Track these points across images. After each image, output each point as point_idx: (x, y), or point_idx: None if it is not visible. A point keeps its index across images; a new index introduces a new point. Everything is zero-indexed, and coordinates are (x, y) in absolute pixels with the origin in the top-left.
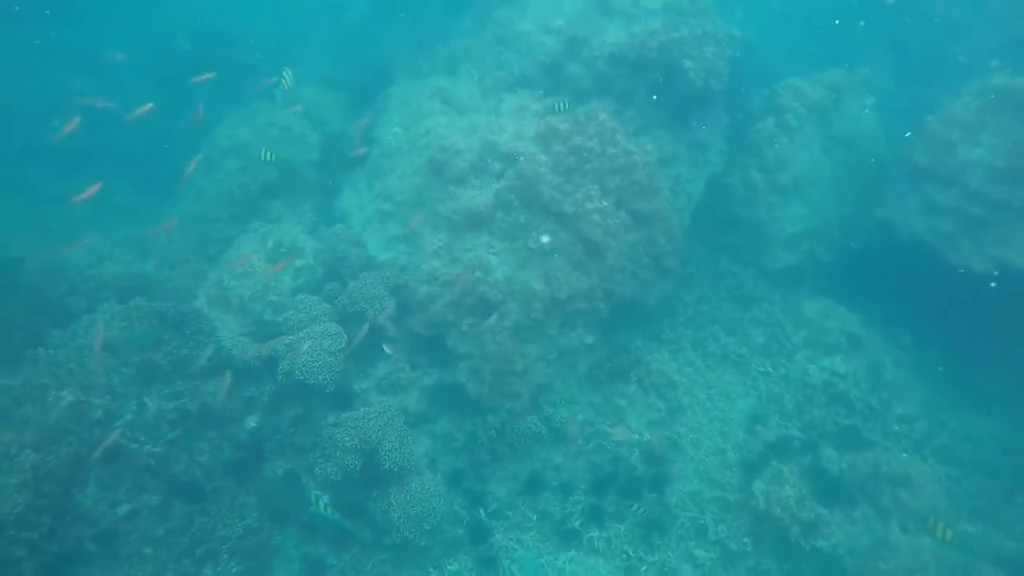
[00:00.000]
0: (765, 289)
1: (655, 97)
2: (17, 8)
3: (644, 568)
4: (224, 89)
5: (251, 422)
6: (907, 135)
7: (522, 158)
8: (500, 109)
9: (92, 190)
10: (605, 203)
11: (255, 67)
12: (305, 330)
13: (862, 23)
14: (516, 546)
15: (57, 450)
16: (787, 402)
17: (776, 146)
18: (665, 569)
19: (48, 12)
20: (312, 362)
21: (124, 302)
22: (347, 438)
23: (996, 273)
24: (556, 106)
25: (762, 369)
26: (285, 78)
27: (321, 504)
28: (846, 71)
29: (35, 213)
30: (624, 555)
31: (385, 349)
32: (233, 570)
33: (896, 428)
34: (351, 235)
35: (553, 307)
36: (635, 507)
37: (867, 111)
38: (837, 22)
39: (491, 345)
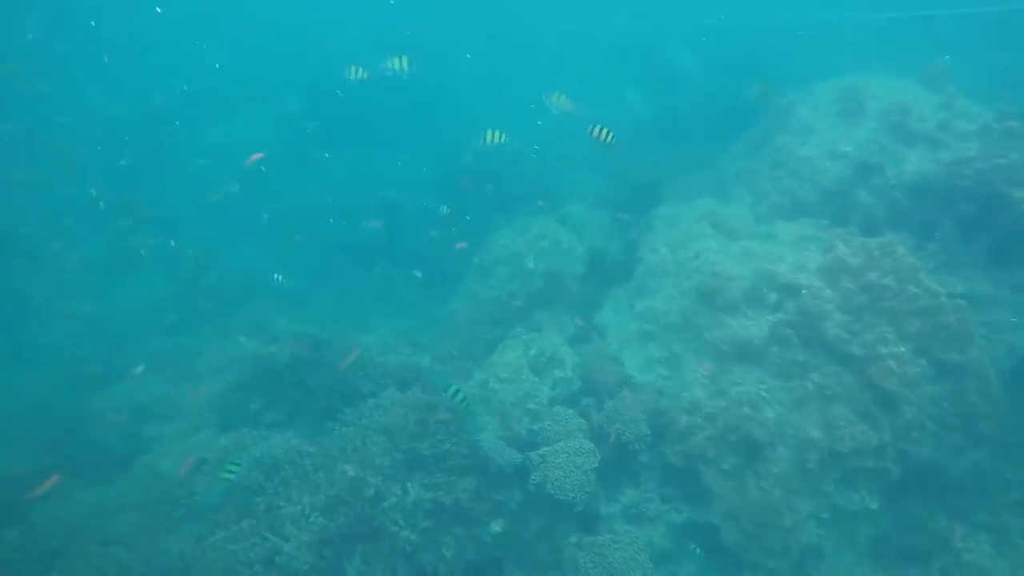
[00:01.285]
0: None
1: (966, 232)
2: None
3: None
4: (501, 199)
5: (497, 527)
6: None
7: (804, 291)
8: (777, 237)
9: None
10: (902, 348)
11: (529, 181)
12: (560, 444)
13: None
14: None
15: (337, 518)
16: None
17: None
18: None
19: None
20: (564, 478)
21: (403, 391)
22: (589, 564)
23: None
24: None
25: None
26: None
27: None
28: None
29: (340, 299)
30: None
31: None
32: None
33: None
34: (610, 351)
35: (831, 459)
36: None
37: None
38: None
39: (755, 490)
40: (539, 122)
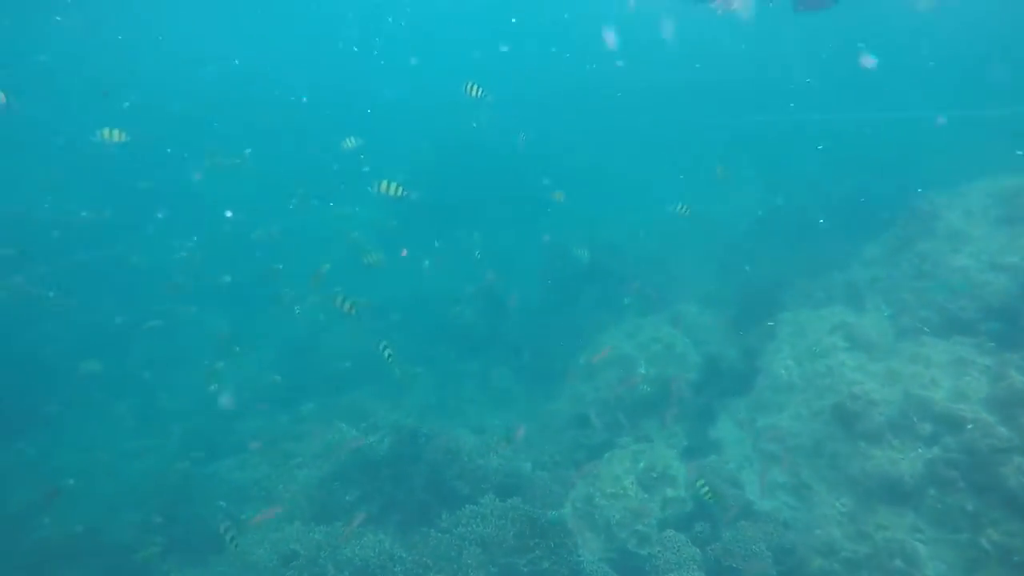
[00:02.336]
0: None
1: None
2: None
3: None
4: (607, 296)
5: None
6: None
7: (970, 426)
8: (927, 357)
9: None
10: None
11: (635, 278)
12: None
13: None
14: None
15: None
16: None
17: None
18: None
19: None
20: None
21: (502, 498)
22: None
23: None
24: None
25: None
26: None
27: None
28: None
29: (441, 388)
30: None
31: None
32: None
33: None
34: (727, 472)
35: None
36: None
37: None
38: None
39: None
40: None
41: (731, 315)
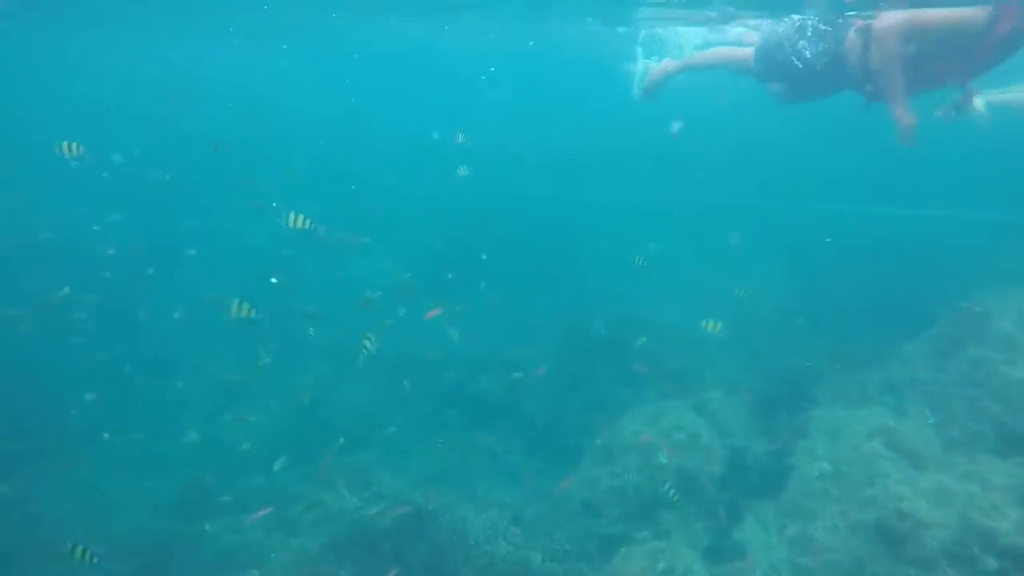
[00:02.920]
0: None
1: None
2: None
3: None
4: (627, 373)
5: None
6: None
7: None
8: (985, 478)
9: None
10: None
11: (659, 357)
12: None
13: None
14: None
15: None
16: None
17: None
18: None
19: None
20: None
21: None
22: None
23: None
24: None
25: None
26: None
27: None
28: None
29: (448, 455)
30: None
31: None
32: None
33: None
34: None
35: None
36: None
37: None
38: None
39: None
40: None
41: (759, 406)
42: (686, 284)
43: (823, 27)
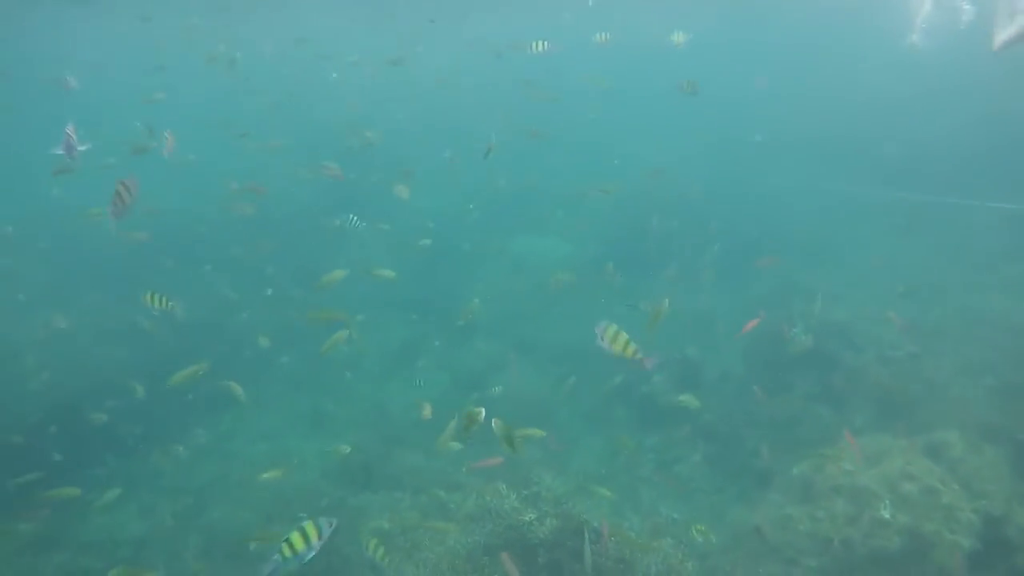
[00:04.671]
0: None
1: None
2: None
3: None
4: (832, 393)
5: None
6: None
7: None
8: None
9: None
10: None
11: (876, 379)
12: None
13: None
14: None
15: None
16: None
17: None
18: None
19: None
20: None
21: None
22: None
23: None
24: None
25: None
26: None
27: None
28: None
29: (612, 458)
30: None
31: None
32: None
33: None
34: None
35: None
36: None
37: None
38: None
39: None
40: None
41: (1011, 458)
42: (916, 290)
43: None
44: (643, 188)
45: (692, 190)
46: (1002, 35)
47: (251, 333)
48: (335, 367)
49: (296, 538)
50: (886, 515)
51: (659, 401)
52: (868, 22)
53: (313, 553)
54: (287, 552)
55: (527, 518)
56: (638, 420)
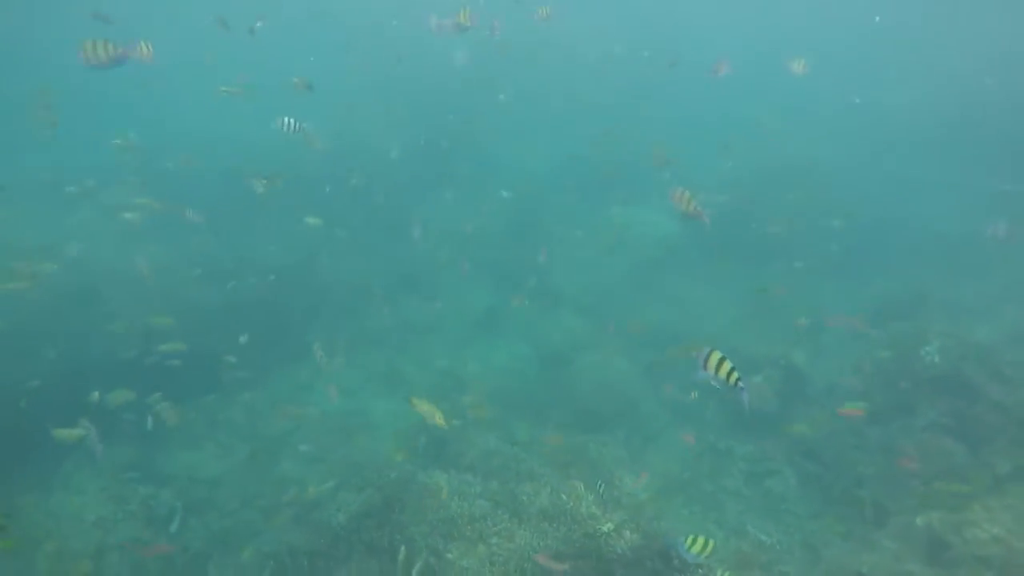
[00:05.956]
0: None
1: None
2: None
3: None
4: (960, 421)
5: None
6: None
7: None
8: None
9: None
10: None
11: (1013, 408)
12: None
13: None
14: None
15: None
16: None
17: None
18: None
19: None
20: None
21: None
22: None
23: None
24: None
25: None
26: None
27: None
28: None
29: (697, 463)
30: None
31: None
32: None
33: None
34: None
35: None
36: None
37: None
38: None
39: None
40: None
41: None
42: None
43: None
44: (760, 161)
45: (813, 166)
46: None
47: (337, 284)
48: (417, 327)
49: None
50: None
51: (756, 406)
52: None
53: None
54: None
55: (604, 528)
56: (730, 423)
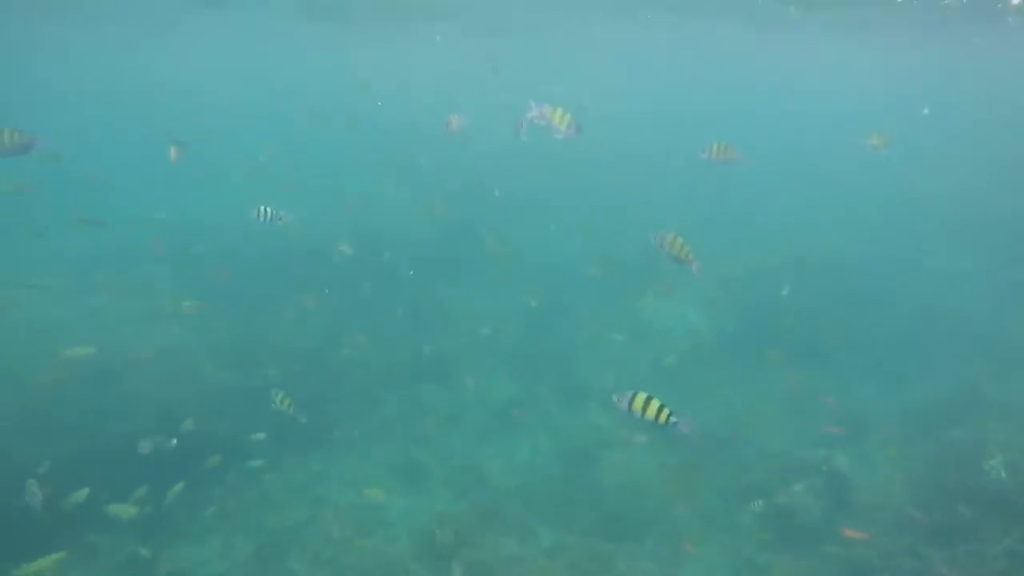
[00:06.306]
0: None
1: None
2: None
3: None
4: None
5: None
6: None
7: None
8: None
9: None
10: None
11: None
12: None
13: None
14: None
15: None
16: None
17: None
18: None
19: None
20: None
21: None
22: None
23: None
24: None
25: None
26: None
27: None
28: None
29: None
30: None
31: None
32: None
33: None
34: None
35: None
36: None
37: None
38: None
39: None
40: None
41: None
42: None
43: None
44: (789, 250)
45: (845, 257)
46: None
47: (355, 368)
48: (436, 418)
49: None
50: None
51: (797, 518)
52: None
53: None
54: None
55: None
56: (769, 536)
